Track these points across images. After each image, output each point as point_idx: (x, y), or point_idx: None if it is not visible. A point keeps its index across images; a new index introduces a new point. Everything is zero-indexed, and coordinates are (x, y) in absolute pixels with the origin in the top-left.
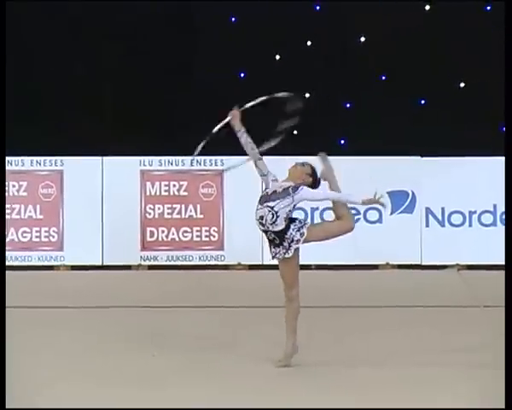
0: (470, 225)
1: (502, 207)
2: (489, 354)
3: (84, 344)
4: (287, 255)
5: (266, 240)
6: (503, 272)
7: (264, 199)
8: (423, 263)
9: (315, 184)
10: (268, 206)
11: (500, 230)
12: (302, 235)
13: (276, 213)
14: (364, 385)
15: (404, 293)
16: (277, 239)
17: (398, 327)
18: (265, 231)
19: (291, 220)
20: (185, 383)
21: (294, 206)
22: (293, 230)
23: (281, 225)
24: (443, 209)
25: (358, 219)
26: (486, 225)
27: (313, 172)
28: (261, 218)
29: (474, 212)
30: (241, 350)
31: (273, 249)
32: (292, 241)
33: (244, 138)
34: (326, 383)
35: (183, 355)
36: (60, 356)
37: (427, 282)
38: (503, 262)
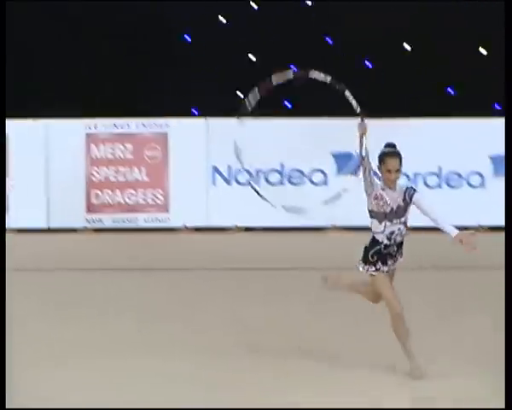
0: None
1: (446, 168)
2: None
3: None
4: (400, 260)
5: (376, 257)
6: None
7: (392, 216)
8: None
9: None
10: (401, 222)
11: (445, 191)
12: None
13: (406, 222)
14: None
15: None
16: (396, 249)
17: None
18: (387, 246)
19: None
20: (132, 352)
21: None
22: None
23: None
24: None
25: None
26: (431, 187)
27: (401, 159)
28: (391, 233)
29: (419, 174)
30: (189, 314)
31: (389, 262)
32: (401, 254)
33: (368, 167)
34: None
35: (130, 321)
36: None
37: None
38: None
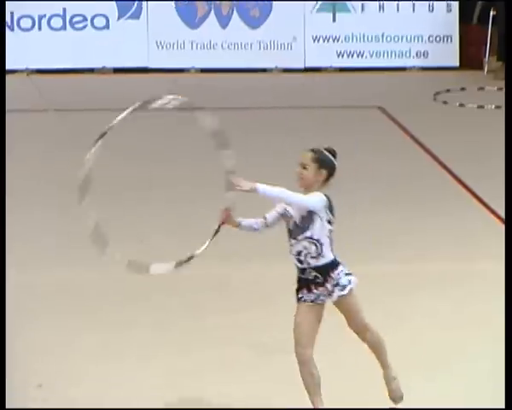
0: (40, 29)
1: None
2: None
3: None
4: (340, 294)
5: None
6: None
7: (296, 232)
8: None
9: (330, 172)
10: (306, 237)
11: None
12: (349, 283)
13: (318, 241)
14: None
15: None
16: (320, 277)
17: None
18: (303, 270)
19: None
20: None
21: (330, 222)
22: (341, 271)
23: (328, 257)
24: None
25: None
26: (56, 29)
27: (320, 160)
28: (298, 254)
29: (44, 16)
30: None
31: (315, 291)
32: (337, 284)
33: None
34: None
35: None
36: None
37: None
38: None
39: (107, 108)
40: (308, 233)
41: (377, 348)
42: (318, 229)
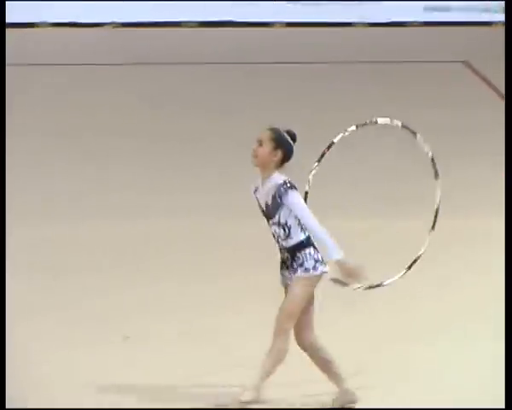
0: None
1: None
2: None
3: None
4: (302, 275)
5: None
6: None
7: (267, 217)
8: None
9: (286, 155)
10: (274, 222)
11: None
12: (314, 270)
13: (286, 224)
14: None
15: None
16: (289, 258)
17: None
18: (280, 250)
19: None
20: None
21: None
22: (308, 253)
23: (296, 238)
24: None
25: None
26: None
27: (277, 140)
28: (273, 236)
29: None
30: None
31: (281, 272)
32: (301, 265)
33: None
34: None
35: None
36: None
37: None
38: None
39: None
40: (275, 219)
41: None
42: (284, 212)
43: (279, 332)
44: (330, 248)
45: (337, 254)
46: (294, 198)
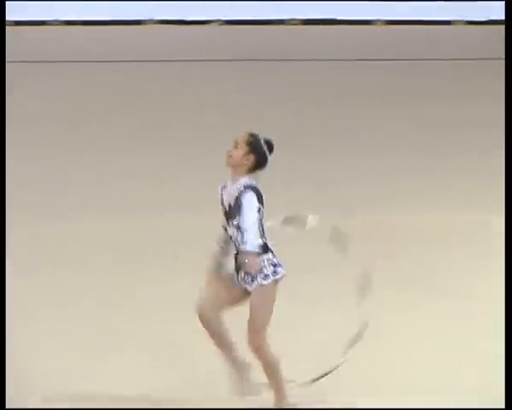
0: None
1: None
2: None
3: None
4: (262, 283)
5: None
6: None
7: (228, 218)
8: None
9: (259, 162)
10: (233, 224)
11: None
12: (275, 274)
13: (243, 228)
14: None
15: None
16: (235, 262)
17: None
18: (237, 254)
19: (267, 247)
20: None
21: (259, 210)
22: (267, 259)
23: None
24: None
25: None
26: None
27: (252, 145)
28: (231, 238)
29: None
30: None
31: (241, 275)
32: (260, 272)
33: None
34: None
35: None
36: None
37: None
38: None
39: None
40: (235, 221)
41: (266, 369)
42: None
43: (259, 346)
44: (249, 241)
45: (250, 247)
46: (247, 198)
